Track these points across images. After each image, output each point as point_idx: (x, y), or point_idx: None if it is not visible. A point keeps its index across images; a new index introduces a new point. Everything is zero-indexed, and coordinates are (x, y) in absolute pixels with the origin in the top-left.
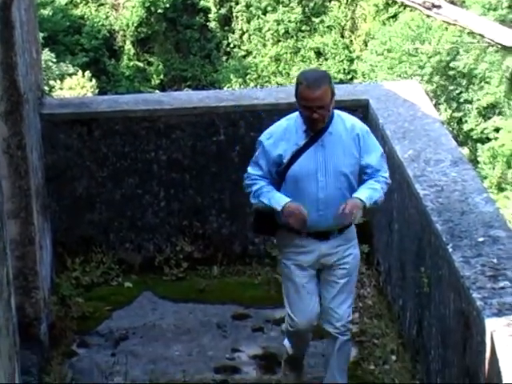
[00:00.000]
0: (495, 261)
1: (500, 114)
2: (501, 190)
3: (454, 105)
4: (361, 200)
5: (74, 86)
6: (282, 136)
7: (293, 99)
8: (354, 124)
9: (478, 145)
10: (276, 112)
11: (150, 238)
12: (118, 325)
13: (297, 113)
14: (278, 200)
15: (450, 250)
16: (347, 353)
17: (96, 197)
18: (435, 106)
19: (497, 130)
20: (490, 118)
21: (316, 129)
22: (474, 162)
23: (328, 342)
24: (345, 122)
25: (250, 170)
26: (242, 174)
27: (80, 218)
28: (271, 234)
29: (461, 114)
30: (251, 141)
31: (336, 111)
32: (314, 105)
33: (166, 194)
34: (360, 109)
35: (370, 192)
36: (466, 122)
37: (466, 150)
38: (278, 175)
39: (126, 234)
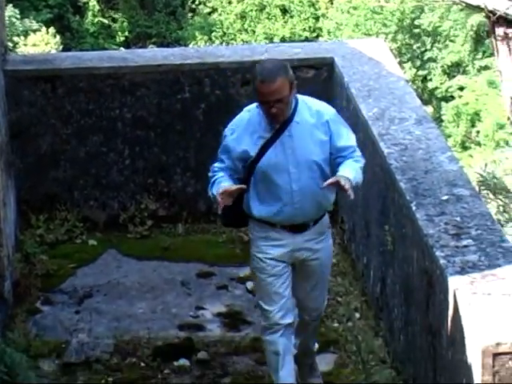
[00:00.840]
0: (458, 219)
1: (464, 72)
2: (465, 148)
3: (419, 63)
4: (348, 179)
5: (38, 43)
6: (245, 129)
7: (257, 57)
8: (321, 109)
9: (443, 103)
10: (241, 70)
11: (114, 195)
12: (82, 282)
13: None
14: (217, 187)
15: (414, 208)
16: (318, 326)
17: (60, 154)
18: (400, 64)
19: (461, 88)
20: (454, 76)
21: (278, 122)
22: (438, 120)
23: (301, 323)
24: (311, 109)
25: (215, 163)
26: (207, 131)
27: (44, 175)
28: (242, 224)
29: (425, 72)
30: (216, 99)
31: (300, 97)
32: (271, 99)
33: (131, 151)
34: (325, 67)
35: (353, 173)
36: (431, 80)
37: (430, 109)
38: (246, 170)
39: (91, 191)
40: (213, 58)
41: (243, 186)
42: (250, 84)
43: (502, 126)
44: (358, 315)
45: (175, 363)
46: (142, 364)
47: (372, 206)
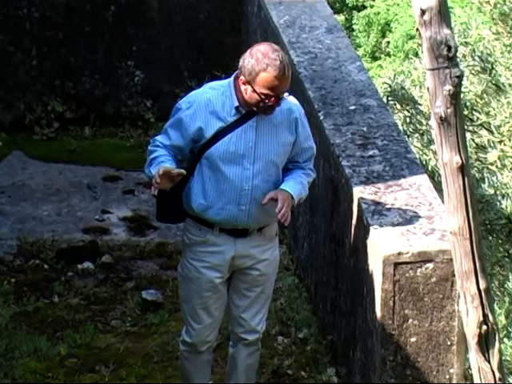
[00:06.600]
0: (365, 129)
1: None
2: (375, 58)
3: None
4: (292, 197)
5: None
6: (204, 106)
7: None
8: (291, 105)
9: (354, 12)
10: None
11: (20, 96)
12: None
13: (225, 83)
14: (158, 167)
15: (322, 117)
16: (257, 360)
17: None
18: None
19: None
20: None
21: (269, 113)
22: (349, 30)
23: (236, 346)
24: (281, 104)
25: (158, 136)
26: (117, 34)
27: None
28: (180, 220)
29: None
30: (126, 1)
31: None
32: (280, 93)
33: (39, 52)
34: None
35: (299, 188)
36: None
37: (341, 18)
38: (193, 155)
39: None
40: None
41: (183, 172)
42: None
43: (412, 37)
44: None
45: (79, 266)
46: (46, 266)
47: None
